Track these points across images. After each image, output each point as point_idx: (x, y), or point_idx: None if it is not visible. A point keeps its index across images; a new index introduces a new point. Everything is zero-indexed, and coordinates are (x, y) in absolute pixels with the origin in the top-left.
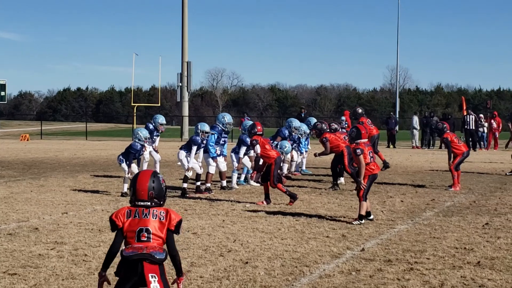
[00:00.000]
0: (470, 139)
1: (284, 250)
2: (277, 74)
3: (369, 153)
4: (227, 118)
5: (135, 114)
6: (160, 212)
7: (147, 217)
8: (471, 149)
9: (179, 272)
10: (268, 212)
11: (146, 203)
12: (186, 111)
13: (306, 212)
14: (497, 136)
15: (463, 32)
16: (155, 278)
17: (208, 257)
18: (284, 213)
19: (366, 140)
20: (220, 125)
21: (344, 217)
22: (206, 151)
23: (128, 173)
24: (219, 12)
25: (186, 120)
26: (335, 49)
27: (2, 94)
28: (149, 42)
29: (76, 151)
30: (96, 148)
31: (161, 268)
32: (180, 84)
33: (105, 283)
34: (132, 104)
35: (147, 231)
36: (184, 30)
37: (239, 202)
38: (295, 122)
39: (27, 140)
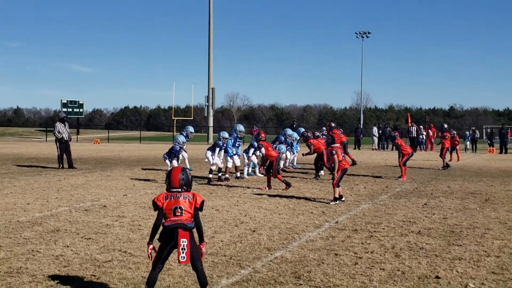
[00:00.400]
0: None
1: (281, 222)
2: (276, 96)
3: (341, 153)
4: (239, 128)
5: (175, 125)
6: (189, 195)
7: (179, 199)
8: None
9: (202, 239)
10: (269, 195)
11: (177, 189)
12: (211, 123)
13: (296, 195)
14: (432, 141)
15: (408, 66)
16: (185, 242)
17: (226, 227)
18: (281, 196)
19: (338, 144)
20: (235, 133)
21: (323, 199)
22: (226, 151)
23: (170, 167)
24: (234, 52)
25: (211, 130)
26: (318, 78)
27: (81, 111)
28: (185, 73)
29: (133, 151)
30: (147, 149)
31: (191, 234)
32: (207, 104)
33: (152, 250)
34: (173, 118)
35: (180, 208)
36: (210, 65)
37: (248, 188)
38: (289, 131)
39: (98, 143)
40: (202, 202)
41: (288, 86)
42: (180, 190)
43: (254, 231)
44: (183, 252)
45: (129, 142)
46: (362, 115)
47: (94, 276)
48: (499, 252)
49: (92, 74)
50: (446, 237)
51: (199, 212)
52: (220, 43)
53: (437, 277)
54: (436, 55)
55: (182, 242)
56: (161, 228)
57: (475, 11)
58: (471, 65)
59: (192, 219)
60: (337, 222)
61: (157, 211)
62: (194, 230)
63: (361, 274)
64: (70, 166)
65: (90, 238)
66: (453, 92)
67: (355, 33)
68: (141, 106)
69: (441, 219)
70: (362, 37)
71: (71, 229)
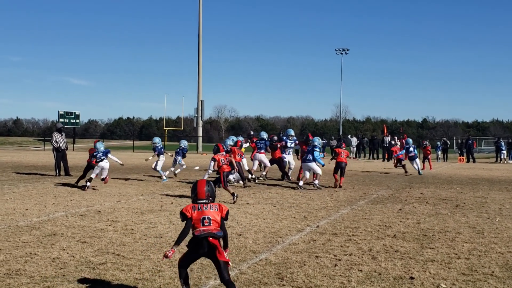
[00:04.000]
0: (387, 152)
1: (265, 226)
2: (261, 108)
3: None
4: (228, 141)
5: (166, 135)
6: (215, 205)
7: (207, 209)
8: (387, 160)
9: (226, 245)
10: (255, 202)
11: (204, 201)
12: (200, 133)
13: (280, 201)
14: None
15: (384, 80)
16: (215, 247)
17: None
18: (265, 202)
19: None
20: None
21: (306, 204)
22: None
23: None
24: (222, 66)
25: (200, 140)
26: (300, 91)
27: (77, 121)
28: (176, 86)
29: (126, 159)
30: (139, 158)
31: (219, 242)
32: (196, 115)
33: (173, 253)
34: (164, 128)
35: (208, 218)
36: (199, 79)
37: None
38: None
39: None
40: (227, 212)
41: (272, 99)
42: (206, 201)
43: (240, 235)
44: (217, 255)
45: (123, 151)
46: (341, 126)
47: (89, 277)
48: (469, 254)
49: (88, 87)
50: (419, 241)
51: (225, 222)
52: (209, 57)
53: (411, 278)
54: (410, 70)
55: (213, 246)
56: (190, 237)
57: (446, 28)
58: (442, 80)
59: (220, 228)
60: (318, 226)
61: (185, 221)
62: None
63: (340, 275)
64: (67, 173)
65: (85, 242)
66: (426, 105)
67: (335, 49)
68: (134, 117)
69: (414, 223)
70: (341, 53)
71: (67, 233)
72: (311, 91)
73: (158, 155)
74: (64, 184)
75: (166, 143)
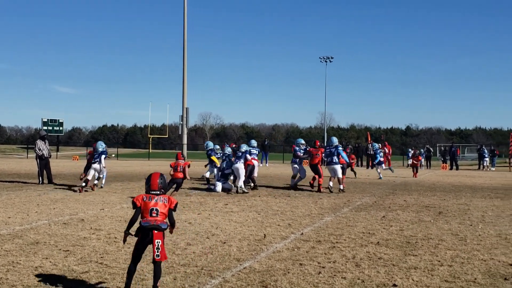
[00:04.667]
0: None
1: (250, 234)
2: (246, 116)
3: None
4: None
5: (150, 142)
6: (165, 198)
7: (157, 201)
8: (371, 167)
9: (173, 226)
10: (239, 209)
11: (156, 192)
12: (185, 140)
13: (265, 209)
14: (389, 158)
15: (369, 88)
16: (159, 242)
17: (198, 239)
18: (250, 210)
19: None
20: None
21: (290, 212)
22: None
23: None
24: (208, 74)
25: (185, 147)
26: (286, 99)
27: (60, 129)
28: (161, 94)
29: (110, 167)
30: (124, 166)
31: (163, 235)
32: (181, 122)
33: (128, 237)
34: (149, 135)
35: (156, 210)
36: (184, 86)
37: (220, 202)
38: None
39: (77, 159)
40: (176, 204)
41: (257, 106)
42: (158, 192)
43: (224, 242)
44: (157, 251)
45: (107, 158)
46: (326, 134)
47: (72, 286)
48: (452, 261)
49: (73, 94)
50: (402, 248)
51: (173, 212)
52: (194, 64)
53: (394, 285)
54: (394, 78)
55: (157, 242)
56: (138, 224)
57: (429, 36)
58: (426, 87)
59: (165, 220)
60: (302, 233)
61: (135, 209)
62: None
63: (324, 282)
64: (50, 181)
65: (68, 250)
66: (410, 112)
67: (319, 57)
68: (118, 125)
69: (398, 230)
70: (326, 61)
71: (50, 241)
72: (296, 98)
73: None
74: (47, 192)
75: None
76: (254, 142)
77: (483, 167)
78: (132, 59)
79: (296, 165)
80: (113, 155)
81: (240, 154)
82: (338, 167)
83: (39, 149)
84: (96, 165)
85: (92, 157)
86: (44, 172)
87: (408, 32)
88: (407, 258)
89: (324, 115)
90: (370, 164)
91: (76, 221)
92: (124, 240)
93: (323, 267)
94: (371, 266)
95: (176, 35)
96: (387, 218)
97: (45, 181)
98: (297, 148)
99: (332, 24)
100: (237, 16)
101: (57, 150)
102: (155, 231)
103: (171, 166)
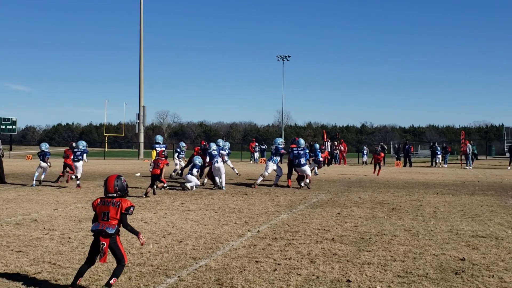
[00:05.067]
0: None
1: (206, 232)
2: (204, 114)
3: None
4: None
5: (106, 141)
6: (117, 202)
7: (109, 205)
8: (327, 165)
9: (136, 233)
10: (196, 208)
11: (112, 194)
12: (141, 139)
13: (222, 207)
14: (345, 155)
15: (325, 86)
16: (103, 244)
17: (154, 238)
18: (207, 208)
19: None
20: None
21: (247, 210)
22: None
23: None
24: (165, 72)
25: (141, 146)
26: (243, 97)
27: (14, 127)
28: (117, 92)
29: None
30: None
31: (112, 238)
32: (138, 121)
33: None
34: (105, 134)
35: (108, 214)
36: (141, 84)
37: (177, 200)
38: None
39: (30, 159)
40: (129, 207)
41: (215, 105)
42: (115, 195)
43: (180, 241)
44: (101, 252)
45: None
46: (283, 132)
47: (24, 287)
48: (404, 257)
49: (26, 92)
50: (357, 244)
51: (127, 216)
52: (151, 62)
53: (348, 280)
54: (348, 77)
55: (101, 244)
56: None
57: (383, 34)
58: (381, 86)
59: (116, 225)
60: (258, 231)
61: (94, 212)
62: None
63: (279, 279)
64: (2, 181)
65: (20, 251)
66: (365, 110)
67: (277, 56)
68: (73, 123)
69: (352, 227)
70: (283, 60)
71: (1, 242)
72: (254, 97)
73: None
74: None
75: (106, 149)
76: (221, 141)
77: (436, 164)
78: (88, 56)
79: (273, 163)
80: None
81: (216, 153)
82: (306, 168)
83: None
84: (77, 163)
85: (69, 156)
86: None
87: (363, 30)
88: (361, 254)
89: (282, 114)
90: (326, 161)
91: (29, 221)
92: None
93: (278, 264)
94: (326, 262)
95: (133, 32)
96: (342, 215)
97: None
98: (279, 147)
99: (289, 23)
100: (194, 15)
101: (10, 149)
102: (101, 235)
103: (152, 162)
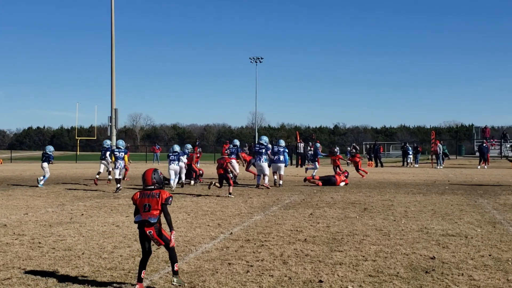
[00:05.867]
0: (300, 158)
1: (179, 235)
2: (177, 116)
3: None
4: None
5: (78, 144)
6: (157, 193)
7: (149, 197)
8: (300, 166)
9: (171, 228)
10: (169, 210)
11: (150, 187)
12: (114, 142)
13: (195, 209)
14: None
15: (297, 88)
16: (150, 232)
17: (126, 242)
18: (180, 211)
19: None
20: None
21: (220, 212)
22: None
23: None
24: (137, 74)
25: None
26: (216, 99)
27: None
28: (89, 94)
29: (35, 171)
30: (50, 168)
31: (156, 227)
32: (110, 124)
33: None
34: (76, 137)
35: (149, 205)
36: (113, 87)
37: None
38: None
39: (1, 163)
40: (167, 198)
41: (188, 107)
42: (153, 187)
43: (153, 245)
44: (153, 239)
45: (32, 162)
46: (257, 133)
47: None
48: (375, 256)
49: None
50: (329, 244)
51: (167, 206)
52: (122, 64)
53: (320, 281)
54: (320, 78)
55: (149, 233)
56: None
57: (354, 35)
58: (353, 87)
59: (157, 215)
60: (231, 233)
61: (135, 206)
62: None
63: (251, 281)
64: None
65: None
66: (337, 111)
67: (249, 58)
68: (44, 127)
69: (325, 227)
70: (256, 62)
71: None
72: (227, 99)
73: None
74: None
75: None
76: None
77: (407, 164)
78: (58, 59)
79: (263, 163)
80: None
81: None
82: (282, 165)
83: None
84: (104, 161)
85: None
86: None
87: (335, 31)
88: (333, 254)
89: (255, 115)
90: (299, 162)
91: None
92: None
93: (251, 266)
94: (298, 263)
95: (103, 33)
96: (314, 215)
97: None
98: (269, 146)
99: (261, 24)
100: (166, 17)
101: None
102: (146, 225)
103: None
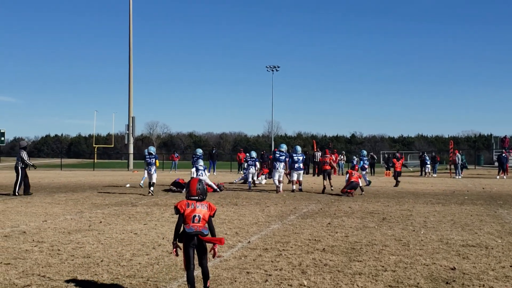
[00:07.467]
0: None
1: None
2: (194, 125)
3: None
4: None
5: (96, 152)
6: (205, 205)
7: (198, 208)
8: (317, 175)
9: (213, 234)
10: None
11: (195, 197)
12: (131, 150)
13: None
14: (335, 166)
15: (314, 97)
16: (205, 243)
17: (144, 249)
18: None
19: None
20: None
21: (238, 220)
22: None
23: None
24: (154, 83)
25: (131, 157)
26: (233, 108)
27: (2, 139)
28: (107, 103)
29: (54, 178)
30: (67, 176)
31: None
32: (128, 132)
33: (177, 249)
34: (94, 145)
35: (199, 216)
36: (130, 95)
37: (166, 212)
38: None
39: None
40: (215, 210)
41: (205, 115)
42: (197, 198)
43: (171, 253)
44: (211, 242)
45: (51, 169)
46: (273, 142)
47: None
48: (395, 267)
49: (14, 103)
50: (347, 254)
51: (212, 218)
52: (140, 73)
53: None
54: (338, 86)
55: (205, 243)
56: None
57: (372, 44)
58: (370, 96)
59: (206, 226)
60: (249, 242)
61: (178, 215)
62: None
63: None
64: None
65: (9, 264)
66: (354, 120)
67: (266, 66)
68: (62, 134)
69: (343, 237)
70: (272, 70)
71: None
72: (244, 107)
73: None
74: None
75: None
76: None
77: (425, 174)
78: (77, 67)
79: (281, 169)
80: (32, 166)
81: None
82: (301, 172)
83: None
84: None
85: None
86: None
87: (352, 40)
88: (352, 264)
89: (271, 124)
90: (316, 171)
91: (17, 233)
92: (176, 253)
93: (269, 275)
94: (317, 273)
95: (122, 42)
96: (332, 225)
97: None
98: (287, 154)
99: (279, 33)
100: (183, 26)
101: None
102: (200, 236)
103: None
